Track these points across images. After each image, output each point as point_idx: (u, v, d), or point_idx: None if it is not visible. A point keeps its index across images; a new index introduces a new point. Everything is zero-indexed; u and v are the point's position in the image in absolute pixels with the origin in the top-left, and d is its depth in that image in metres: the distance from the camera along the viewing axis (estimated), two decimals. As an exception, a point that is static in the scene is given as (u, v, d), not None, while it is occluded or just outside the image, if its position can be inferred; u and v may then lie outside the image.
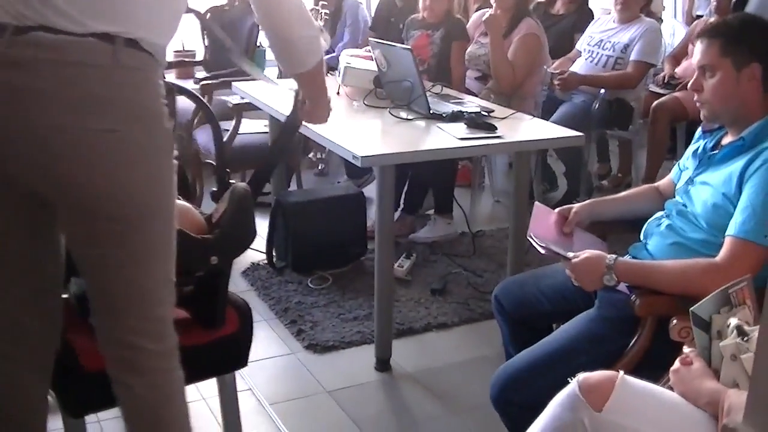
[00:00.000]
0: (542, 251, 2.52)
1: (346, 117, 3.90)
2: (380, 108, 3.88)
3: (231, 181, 2.53)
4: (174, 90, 2.02)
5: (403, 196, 4.87)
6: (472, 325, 3.84)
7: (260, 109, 4.31)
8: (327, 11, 5.03)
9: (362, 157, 3.16)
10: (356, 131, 3.62)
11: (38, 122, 1.79)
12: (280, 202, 4.41)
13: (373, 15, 5.74)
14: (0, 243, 2.01)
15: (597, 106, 4.99)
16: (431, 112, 3.69)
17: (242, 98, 4.51)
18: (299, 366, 3.50)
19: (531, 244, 2.59)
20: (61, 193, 1.87)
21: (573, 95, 5.08)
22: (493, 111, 3.79)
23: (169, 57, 6.21)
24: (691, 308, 1.86)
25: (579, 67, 5.14)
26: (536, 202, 2.78)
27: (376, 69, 4.03)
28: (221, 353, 2.47)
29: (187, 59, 6.12)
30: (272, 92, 4.29)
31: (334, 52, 5.47)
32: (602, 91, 5.02)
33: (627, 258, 2.49)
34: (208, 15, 5.77)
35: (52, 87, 1.78)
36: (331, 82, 4.30)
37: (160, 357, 2.03)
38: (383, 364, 3.46)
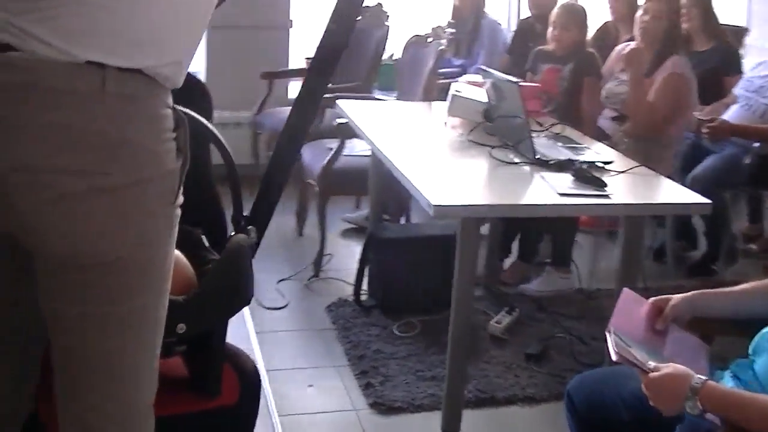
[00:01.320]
0: (614, 356, 2.05)
1: (443, 154, 3.49)
2: (484, 146, 3.43)
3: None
4: (185, 121, 1.61)
5: (517, 241, 4.42)
6: (562, 403, 3.35)
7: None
8: (452, 30, 4.64)
9: (435, 206, 2.75)
10: (447, 172, 3.21)
11: (10, 161, 1.48)
12: (373, 236, 4.04)
13: (511, 38, 5.28)
14: None
15: (749, 160, 4.38)
16: (537, 157, 3.23)
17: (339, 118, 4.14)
18: (356, 426, 3.14)
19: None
20: (27, 237, 1.57)
21: (722, 146, 4.47)
22: (611, 162, 3.28)
23: (300, 63, 5.98)
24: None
25: (732, 114, 4.52)
26: (625, 289, 2.31)
27: (486, 100, 3.59)
28: (213, 428, 2.10)
29: (316, 68, 5.80)
30: (375, 114, 3.93)
31: (467, 73, 5.04)
32: (756, 144, 4.39)
33: (725, 380, 2.00)
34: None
35: (18, 116, 1.45)
36: (437, 112, 3.92)
37: None
38: (448, 437, 3.04)
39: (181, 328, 1.83)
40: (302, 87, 2.21)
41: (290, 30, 5.88)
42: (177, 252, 2.02)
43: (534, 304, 4.12)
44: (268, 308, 4.05)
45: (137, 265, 1.57)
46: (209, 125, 2.13)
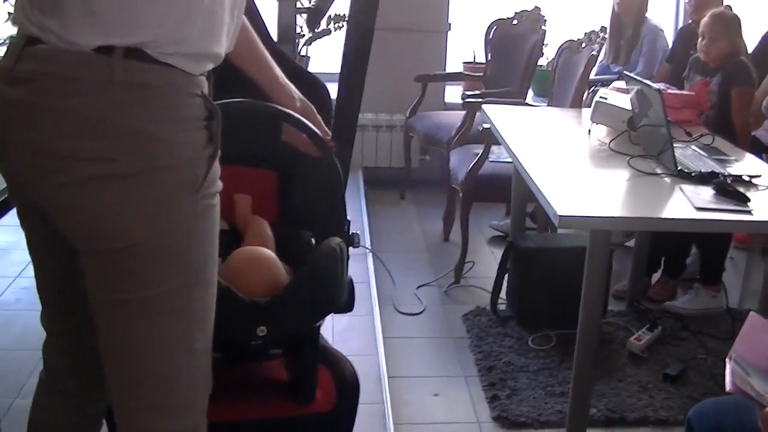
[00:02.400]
0: (728, 386, 1.91)
1: (581, 162, 3.37)
2: (625, 155, 3.29)
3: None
4: (218, 111, 1.60)
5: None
6: (697, 429, 3.17)
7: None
8: (605, 35, 4.47)
9: (561, 216, 2.64)
10: (583, 181, 3.08)
11: (28, 146, 1.54)
12: (512, 245, 3.95)
13: (671, 45, 5.04)
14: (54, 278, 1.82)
15: None
16: (678, 168, 3.06)
17: (485, 123, 4.05)
18: (476, 440, 3.05)
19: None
20: (52, 219, 1.62)
21: None
22: (759, 176, 3.07)
23: (457, 67, 5.93)
24: None
25: None
26: (752, 312, 2.14)
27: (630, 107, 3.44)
28: (305, 435, 2.07)
29: (474, 73, 5.74)
30: (519, 120, 3.83)
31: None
32: None
33: None
34: (495, 28, 5.39)
35: (41, 103, 1.51)
36: (585, 119, 3.79)
37: None
38: (573, 457, 2.92)
39: (262, 330, 1.80)
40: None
41: (448, 33, 5.81)
42: (268, 253, 2.02)
43: (678, 322, 3.92)
44: (404, 313, 4.02)
45: (153, 253, 1.56)
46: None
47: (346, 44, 2.22)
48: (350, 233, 2.14)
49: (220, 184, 1.65)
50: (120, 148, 1.50)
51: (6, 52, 1.58)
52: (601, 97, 3.61)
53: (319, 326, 2.04)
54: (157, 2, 1.49)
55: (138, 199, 1.53)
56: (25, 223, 1.77)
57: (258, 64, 2.03)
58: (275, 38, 3.05)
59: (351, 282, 2.11)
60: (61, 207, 1.56)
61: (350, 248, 2.13)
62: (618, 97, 3.62)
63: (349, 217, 2.20)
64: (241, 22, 1.76)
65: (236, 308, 1.80)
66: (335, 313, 2.03)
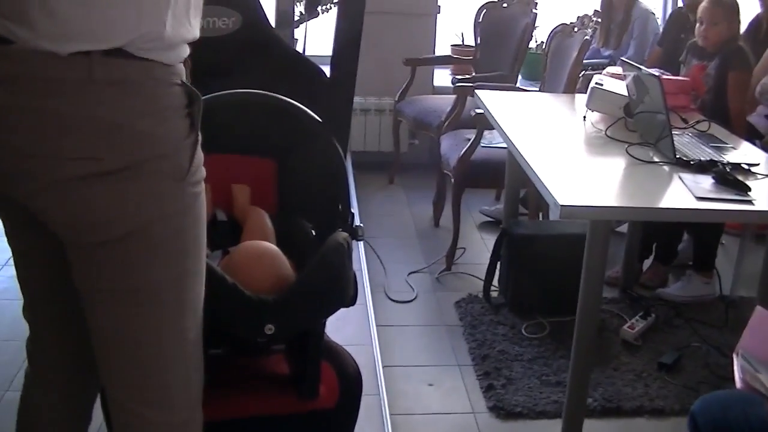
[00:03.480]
0: (738, 383, 1.88)
1: (578, 149, 3.34)
2: (623, 143, 3.25)
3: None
4: (199, 96, 1.59)
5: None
6: (693, 419, 3.16)
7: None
8: (598, 19, 4.43)
9: (563, 206, 2.61)
10: (580, 169, 3.06)
11: (9, 147, 1.51)
12: (505, 232, 3.92)
13: (662, 28, 5.01)
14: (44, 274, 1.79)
15: None
16: (677, 157, 3.03)
17: (477, 108, 4.01)
18: (472, 430, 3.04)
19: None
20: (37, 216, 1.60)
21: None
22: (757, 164, 3.05)
23: (446, 50, 5.87)
24: None
25: None
26: (758, 307, 2.14)
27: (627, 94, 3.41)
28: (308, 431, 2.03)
29: (463, 56, 5.69)
30: (513, 105, 3.79)
31: (615, 65, 4.83)
32: None
33: None
34: (484, 10, 5.34)
35: (15, 104, 1.47)
36: (579, 105, 3.76)
37: (167, 429, 1.70)
38: (569, 446, 2.90)
39: (270, 329, 1.76)
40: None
41: (437, 16, 5.75)
42: (273, 248, 1.97)
43: (671, 309, 3.90)
44: (396, 301, 3.99)
45: (141, 242, 1.56)
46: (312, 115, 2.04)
47: (336, 28, 2.18)
48: (353, 225, 2.10)
49: (203, 171, 1.64)
50: (104, 145, 1.48)
51: None
52: (596, 83, 3.57)
53: (324, 322, 2.00)
54: (126, 7, 1.46)
55: (125, 193, 1.52)
56: (2, 213, 1.74)
57: None
58: (273, 23, 2.99)
59: (354, 276, 2.08)
60: (47, 205, 1.54)
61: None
62: (614, 83, 3.58)
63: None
64: None
65: (244, 305, 1.76)
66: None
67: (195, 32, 1.60)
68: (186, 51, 1.59)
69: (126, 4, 1.45)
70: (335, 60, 2.16)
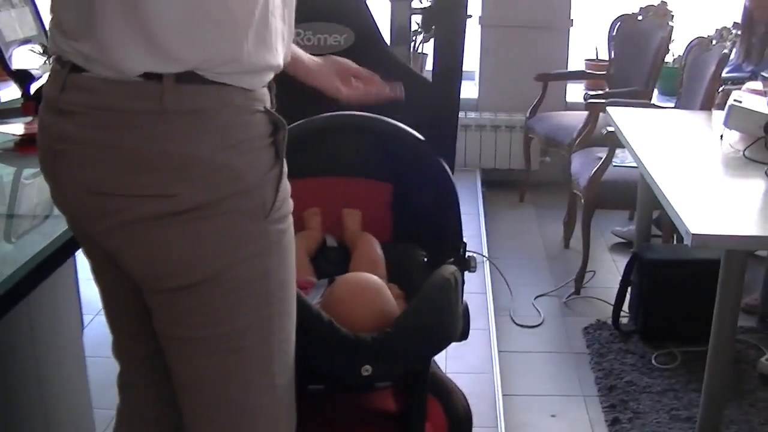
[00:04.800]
0: None
1: (713, 171, 3.15)
2: (762, 164, 3.06)
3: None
4: (284, 124, 1.48)
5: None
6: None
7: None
8: (738, 32, 4.22)
9: (694, 234, 2.45)
10: (715, 193, 2.88)
11: (80, 184, 1.43)
12: (636, 256, 3.76)
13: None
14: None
15: None
16: (821, 180, 2.83)
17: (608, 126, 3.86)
18: (596, 466, 2.89)
19: None
20: (122, 262, 1.51)
21: None
22: None
23: (580, 65, 5.71)
24: None
25: None
26: None
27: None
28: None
29: (596, 71, 5.52)
30: (646, 123, 3.63)
31: (756, 79, 4.58)
32: None
33: None
34: (619, 23, 5.17)
35: (85, 138, 1.40)
36: (716, 123, 3.57)
37: None
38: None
39: (367, 369, 1.66)
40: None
41: (570, 30, 5.61)
42: (375, 281, 1.89)
43: (819, 338, 3.67)
44: (521, 326, 3.87)
45: (223, 288, 1.45)
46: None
47: (436, 38, 2.09)
48: (466, 256, 2.00)
49: (290, 204, 1.54)
50: (179, 181, 1.38)
51: (49, 79, 1.47)
52: (735, 100, 3.37)
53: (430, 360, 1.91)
54: (204, 21, 1.35)
55: (203, 233, 1.42)
56: (86, 251, 1.67)
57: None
58: (388, 41, 2.92)
59: (466, 308, 1.98)
60: (121, 246, 1.46)
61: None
62: (753, 99, 3.37)
63: (465, 236, 2.07)
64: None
65: (339, 345, 1.68)
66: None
67: (280, 59, 1.50)
68: (269, 76, 1.49)
69: (197, 20, 1.35)
70: (437, 72, 2.08)
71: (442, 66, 2.05)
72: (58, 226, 1.81)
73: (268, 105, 1.48)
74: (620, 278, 3.84)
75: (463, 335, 1.96)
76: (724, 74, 4.28)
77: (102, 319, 1.79)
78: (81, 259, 1.79)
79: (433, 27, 3.58)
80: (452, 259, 1.97)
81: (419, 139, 2.08)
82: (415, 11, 3.34)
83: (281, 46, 1.50)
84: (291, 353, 1.59)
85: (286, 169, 1.51)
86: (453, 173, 2.09)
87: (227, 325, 1.48)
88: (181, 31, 1.34)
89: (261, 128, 1.45)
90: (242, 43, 1.39)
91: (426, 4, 3.68)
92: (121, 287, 1.61)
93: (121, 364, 1.81)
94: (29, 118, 2.54)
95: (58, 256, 1.80)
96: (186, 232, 1.41)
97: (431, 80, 2.10)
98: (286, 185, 1.52)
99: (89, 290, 1.92)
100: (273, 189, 1.46)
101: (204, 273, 1.43)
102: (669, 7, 4.98)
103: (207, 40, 1.36)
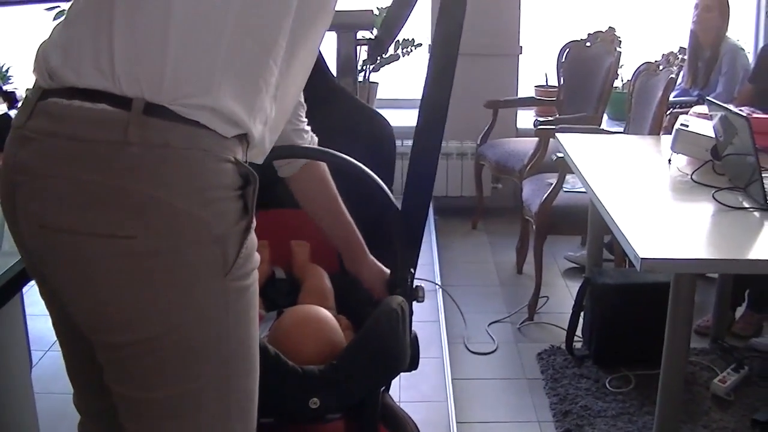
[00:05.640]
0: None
1: (662, 195, 3.17)
2: (710, 187, 3.08)
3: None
4: (256, 177, 1.40)
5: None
6: (791, 483, 2.96)
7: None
8: (684, 57, 4.27)
9: (643, 259, 2.46)
10: (663, 217, 2.89)
11: (34, 217, 1.37)
12: (588, 281, 3.76)
13: (753, 64, 4.80)
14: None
15: None
16: (768, 202, 2.86)
17: (558, 152, 3.87)
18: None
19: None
20: (70, 307, 1.43)
21: None
22: None
23: (529, 92, 5.74)
24: None
25: None
26: None
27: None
28: None
29: (546, 97, 5.56)
30: (594, 148, 3.65)
31: (703, 103, 4.64)
32: None
33: None
34: (567, 50, 5.21)
35: (47, 172, 1.34)
36: (664, 147, 3.60)
37: None
38: None
39: (314, 402, 1.64)
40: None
41: (519, 57, 5.64)
42: (322, 313, 1.87)
43: (766, 361, 3.68)
44: (475, 353, 3.85)
45: (178, 347, 1.36)
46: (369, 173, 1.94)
47: (428, 75, 2.08)
48: (413, 286, 1.98)
49: (256, 259, 1.44)
50: (136, 221, 1.29)
51: (20, 109, 1.42)
52: (682, 124, 3.41)
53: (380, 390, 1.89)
54: (163, 55, 1.31)
55: (158, 284, 1.32)
56: (43, 297, 1.57)
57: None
58: (335, 72, 2.91)
59: (415, 338, 1.97)
60: (69, 289, 1.37)
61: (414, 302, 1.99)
62: (700, 123, 3.41)
63: (418, 264, 2.06)
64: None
65: (286, 378, 1.65)
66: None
67: (255, 131, 1.40)
68: (240, 130, 1.39)
69: (165, 51, 1.30)
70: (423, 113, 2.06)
71: (431, 101, 2.02)
72: (2, 261, 1.76)
73: (239, 156, 1.39)
74: (573, 303, 3.84)
75: (413, 365, 1.94)
76: (671, 98, 4.33)
77: (53, 354, 1.74)
78: (29, 295, 1.75)
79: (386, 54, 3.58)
80: (399, 290, 1.96)
81: (364, 170, 2.06)
82: (360, 42, 3.34)
83: (259, 123, 1.42)
84: (253, 408, 1.50)
85: (254, 224, 1.42)
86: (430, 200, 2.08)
87: (178, 387, 1.39)
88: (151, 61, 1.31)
89: (228, 179, 1.36)
90: (219, 78, 1.33)
91: (371, 35, 3.69)
92: (80, 339, 1.49)
93: (81, 415, 1.73)
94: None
95: (4, 292, 1.75)
96: (138, 280, 1.32)
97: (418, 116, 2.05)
98: (253, 240, 1.42)
99: (40, 325, 1.87)
100: (237, 244, 1.37)
101: (156, 328, 1.35)
102: (617, 33, 5.05)
103: (183, 63, 1.32)
